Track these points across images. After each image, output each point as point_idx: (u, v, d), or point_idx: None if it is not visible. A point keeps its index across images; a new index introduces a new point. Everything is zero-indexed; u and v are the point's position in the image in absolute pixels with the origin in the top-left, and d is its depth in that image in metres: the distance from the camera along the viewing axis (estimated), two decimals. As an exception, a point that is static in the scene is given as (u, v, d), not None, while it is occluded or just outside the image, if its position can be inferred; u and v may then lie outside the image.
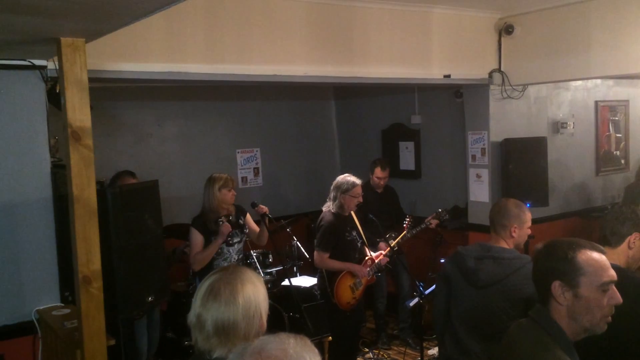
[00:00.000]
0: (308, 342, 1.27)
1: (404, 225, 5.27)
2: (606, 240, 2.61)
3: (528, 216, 3.05)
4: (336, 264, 4.67)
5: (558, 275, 1.93)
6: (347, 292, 4.70)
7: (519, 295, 2.80)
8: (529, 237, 4.14)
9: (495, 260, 2.93)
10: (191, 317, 1.83)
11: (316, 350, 1.26)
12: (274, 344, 1.23)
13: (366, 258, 4.84)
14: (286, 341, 1.24)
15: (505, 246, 2.99)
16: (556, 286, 1.92)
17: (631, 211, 2.69)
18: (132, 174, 4.65)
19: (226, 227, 4.39)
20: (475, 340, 2.95)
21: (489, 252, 2.98)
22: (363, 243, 4.87)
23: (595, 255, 1.94)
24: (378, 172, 5.84)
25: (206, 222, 4.45)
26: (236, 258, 4.60)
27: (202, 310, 1.79)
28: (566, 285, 1.91)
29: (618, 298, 1.94)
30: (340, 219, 4.69)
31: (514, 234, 2.98)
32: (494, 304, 2.88)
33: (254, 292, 1.82)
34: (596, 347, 2.05)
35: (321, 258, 4.66)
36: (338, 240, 4.67)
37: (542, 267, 2.00)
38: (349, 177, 4.69)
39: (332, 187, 4.73)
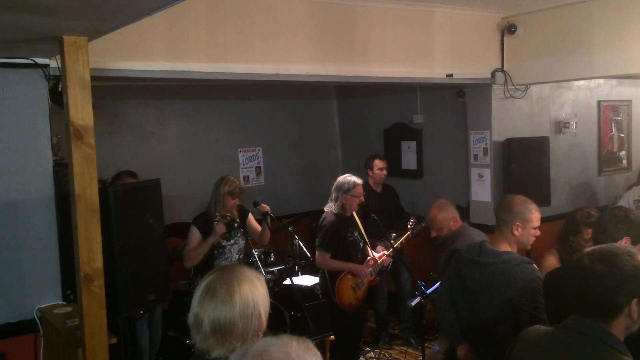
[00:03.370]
0: (310, 344, 1.26)
1: (408, 226, 5.26)
2: (600, 243, 2.46)
3: (535, 216, 2.86)
4: (337, 264, 4.67)
5: (635, 293, 1.83)
6: (348, 292, 4.70)
7: (503, 298, 2.73)
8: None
9: (481, 266, 2.85)
10: (190, 317, 1.83)
11: (318, 353, 1.25)
12: (276, 347, 1.22)
13: (368, 258, 4.83)
14: (288, 344, 1.23)
15: (506, 246, 2.86)
16: (634, 304, 1.84)
17: (624, 214, 2.64)
18: (132, 174, 4.65)
19: (220, 228, 4.38)
20: (479, 341, 2.94)
21: (479, 255, 2.89)
22: (365, 243, 4.87)
23: None
24: (379, 163, 5.82)
25: (208, 221, 4.46)
26: (237, 257, 4.60)
27: (200, 309, 1.79)
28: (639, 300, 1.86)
29: None
30: (342, 219, 4.69)
31: (515, 233, 2.82)
32: (484, 309, 2.83)
33: (252, 291, 1.81)
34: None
35: (322, 258, 4.66)
36: (340, 241, 4.67)
37: (611, 286, 1.84)
38: (349, 177, 4.69)
39: (333, 188, 4.73)
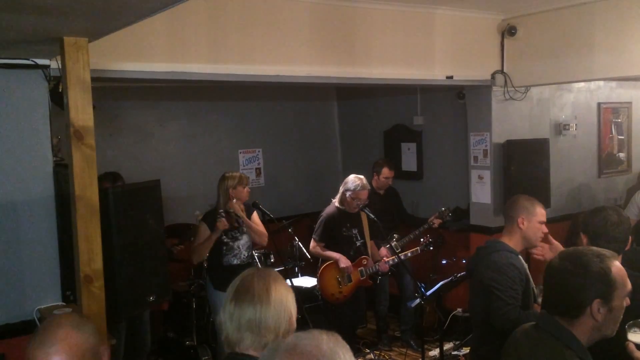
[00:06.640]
0: (339, 338, 1.29)
1: (422, 240, 5.24)
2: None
3: (539, 210, 2.99)
4: (324, 253, 4.82)
5: (598, 294, 1.85)
6: (332, 283, 4.75)
7: (478, 278, 2.95)
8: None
9: (475, 254, 3.11)
10: (223, 314, 1.84)
11: (348, 346, 1.28)
12: (307, 341, 1.25)
13: (362, 257, 4.87)
14: (319, 337, 1.26)
15: (506, 241, 3.00)
16: (596, 304, 1.85)
17: (619, 214, 2.62)
18: (115, 177, 4.62)
19: (222, 224, 4.40)
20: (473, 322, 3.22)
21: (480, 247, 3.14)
22: (364, 243, 4.89)
23: (619, 264, 1.92)
24: (386, 172, 5.82)
25: (215, 218, 4.50)
26: (246, 254, 4.65)
27: (235, 308, 1.81)
28: (604, 302, 1.86)
29: (628, 300, 1.93)
30: (343, 214, 4.76)
31: (521, 226, 2.95)
32: (471, 291, 3.10)
33: (284, 291, 1.85)
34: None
35: (313, 245, 4.87)
36: (334, 233, 4.76)
37: (574, 284, 1.87)
38: (359, 180, 4.77)
39: (343, 182, 4.85)
